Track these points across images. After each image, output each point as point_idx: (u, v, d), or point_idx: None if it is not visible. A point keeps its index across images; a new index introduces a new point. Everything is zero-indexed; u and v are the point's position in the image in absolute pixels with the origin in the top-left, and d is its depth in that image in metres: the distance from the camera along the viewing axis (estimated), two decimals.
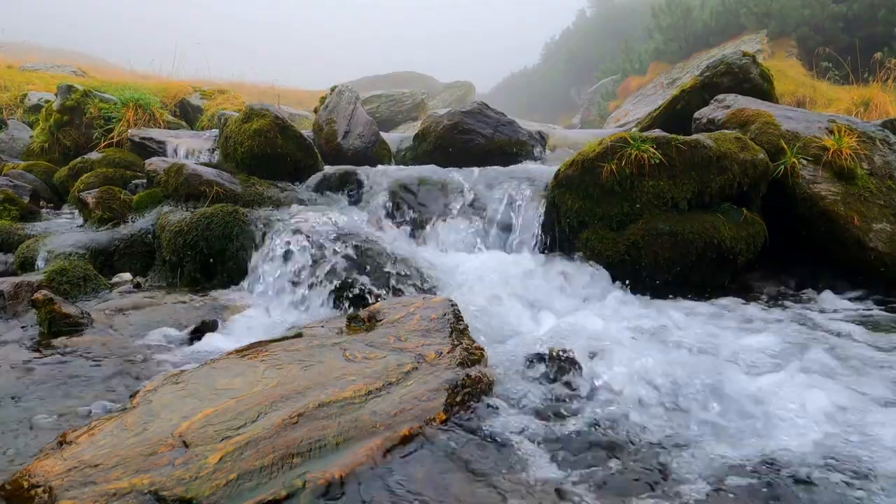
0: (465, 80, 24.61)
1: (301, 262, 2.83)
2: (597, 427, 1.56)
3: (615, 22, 27.78)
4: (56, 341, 2.19)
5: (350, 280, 2.72)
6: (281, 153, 4.05)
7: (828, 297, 3.04)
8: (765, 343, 2.28)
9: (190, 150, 5.27)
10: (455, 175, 3.92)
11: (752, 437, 1.51)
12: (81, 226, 3.87)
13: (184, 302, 2.72)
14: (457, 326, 1.98)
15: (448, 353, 1.78)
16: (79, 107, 6.36)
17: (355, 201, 3.95)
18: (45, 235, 3.44)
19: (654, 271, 3.11)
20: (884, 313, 2.81)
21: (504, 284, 2.91)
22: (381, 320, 2.09)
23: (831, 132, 3.62)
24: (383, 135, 5.61)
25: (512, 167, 4.11)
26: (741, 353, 2.16)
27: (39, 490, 1.16)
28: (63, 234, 3.49)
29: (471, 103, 5.25)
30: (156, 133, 5.87)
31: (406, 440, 1.38)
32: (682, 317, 2.69)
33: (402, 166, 4.63)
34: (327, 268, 2.77)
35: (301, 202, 3.71)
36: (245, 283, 2.97)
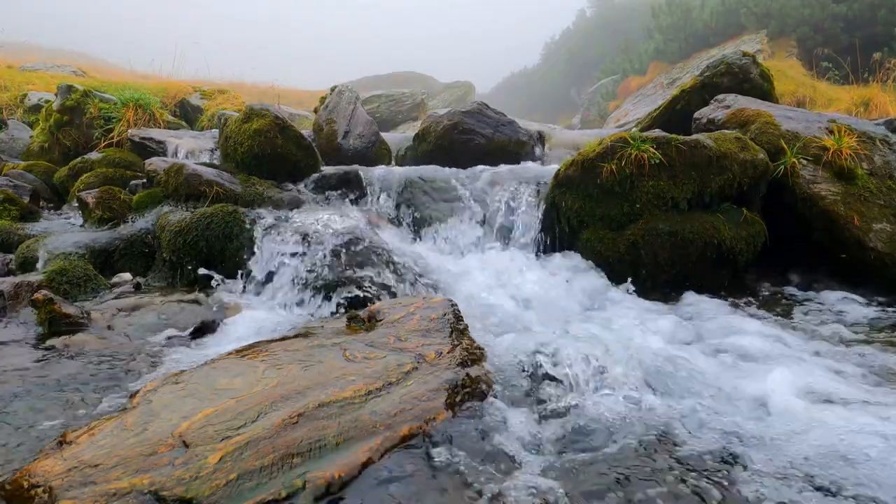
0: (465, 80, 24.58)
1: (301, 262, 2.83)
2: (595, 425, 1.56)
3: (615, 22, 27.75)
4: (56, 341, 2.19)
5: (350, 280, 2.72)
6: (281, 153, 4.05)
7: (828, 297, 3.03)
8: (760, 343, 2.28)
9: (190, 150, 5.27)
10: (455, 175, 3.92)
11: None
12: (81, 226, 3.87)
13: (183, 302, 2.71)
14: (457, 326, 1.98)
15: (448, 353, 1.78)
16: (79, 107, 6.36)
17: (355, 201, 3.95)
18: (45, 235, 3.43)
19: (654, 271, 3.11)
20: (884, 313, 2.80)
21: (503, 285, 2.91)
22: (381, 320, 2.09)
23: (831, 132, 3.62)
24: (383, 135, 5.61)
25: (512, 167, 4.10)
26: (729, 350, 2.18)
27: (39, 490, 1.16)
28: (63, 234, 3.49)
29: (471, 103, 5.25)
30: (156, 133, 5.87)
31: (406, 440, 1.38)
32: (681, 317, 2.70)
33: (401, 166, 4.63)
34: (327, 268, 2.77)
35: (301, 202, 3.71)
36: (245, 284, 2.97)
